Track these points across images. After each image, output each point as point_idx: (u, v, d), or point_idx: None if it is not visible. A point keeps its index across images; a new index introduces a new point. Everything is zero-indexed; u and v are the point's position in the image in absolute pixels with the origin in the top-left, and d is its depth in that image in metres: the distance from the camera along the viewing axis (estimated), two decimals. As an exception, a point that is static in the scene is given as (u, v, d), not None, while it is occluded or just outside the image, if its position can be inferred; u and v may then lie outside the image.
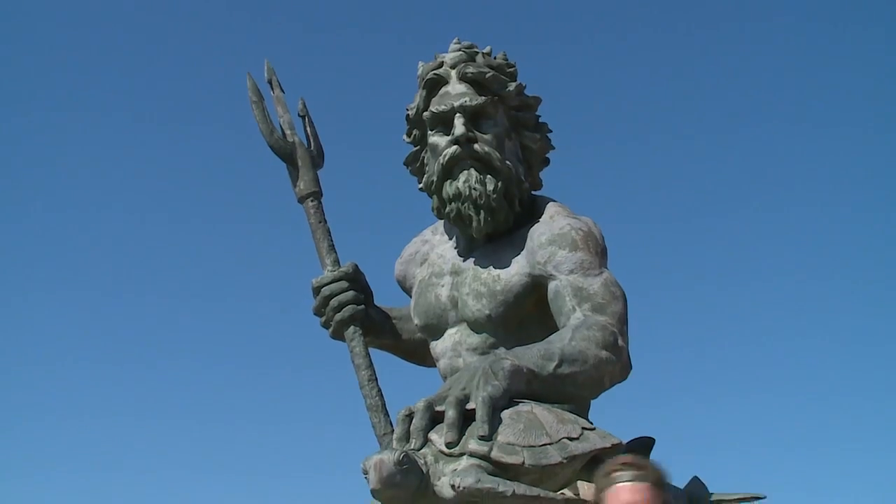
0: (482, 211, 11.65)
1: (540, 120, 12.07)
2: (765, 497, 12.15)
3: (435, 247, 12.78)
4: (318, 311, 12.26)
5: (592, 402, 11.27)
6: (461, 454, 10.42)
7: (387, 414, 11.58)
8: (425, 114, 12.03)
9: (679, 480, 11.37)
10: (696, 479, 11.73)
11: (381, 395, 11.59)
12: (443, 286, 12.10)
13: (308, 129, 11.98)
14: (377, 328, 12.45)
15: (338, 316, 11.93)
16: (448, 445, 10.51)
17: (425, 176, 12.27)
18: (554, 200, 12.35)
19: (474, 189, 11.74)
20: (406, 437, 10.59)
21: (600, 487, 1.85)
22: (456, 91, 11.78)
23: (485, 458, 10.36)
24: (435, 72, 11.68)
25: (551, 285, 11.35)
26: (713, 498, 11.44)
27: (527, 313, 11.58)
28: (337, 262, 12.15)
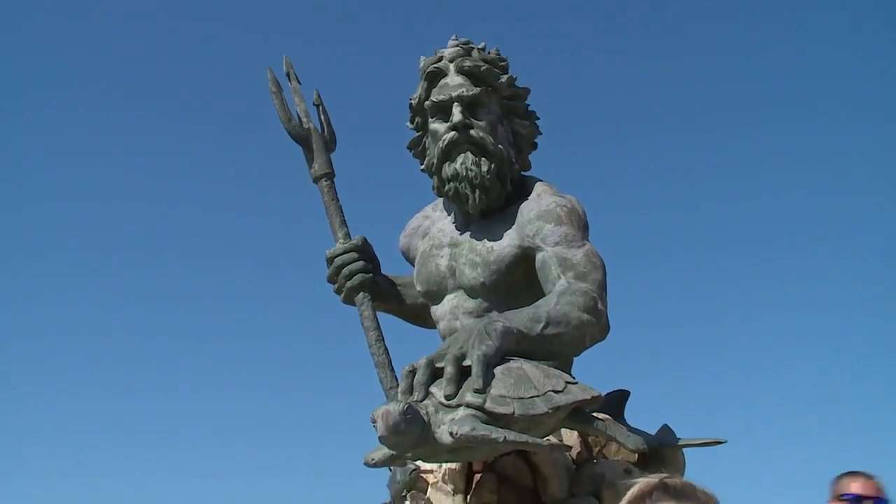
0: (477, 190, 12.20)
1: (529, 108, 12.40)
2: (725, 441, 12.53)
3: (435, 222, 13.27)
4: (331, 279, 12.68)
5: (575, 359, 11.64)
6: (458, 405, 10.72)
7: (392, 370, 11.91)
8: (426, 103, 12.62)
9: (651, 428, 11.69)
10: (665, 427, 12.01)
11: (388, 353, 11.91)
12: (442, 257, 12.35)
13: (322, 116, 12.28)
14: (384, 294, 13.10)
15: (348, 283, 12.67)
16: (447, 397, 10.80)
17: (426, 158, 12.87)
18: (541, 180, 12.70)
19: (470, 170, 12.36)
20: (409, 390, 10.88)
21: None
22: (454, 83, 12.10)
23: (479, 408, 10.65)
24: (435, 65, 11.98)
25: (539, 256, 11.74)
26: (680, 443, 11.77)
27: (517, 281, 11.86)
28: (348, 236, 12.72)
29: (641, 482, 1.82)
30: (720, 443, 11.49)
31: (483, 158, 11.49)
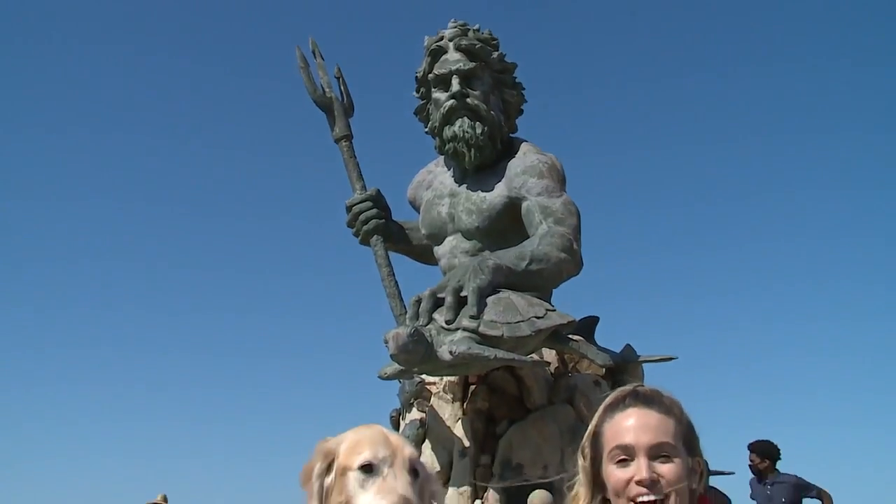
0: (472, 149, 12.05)
1: (516, 80, 12.56)
2: (676, 357, 12.81)
3: (437, 176, 13.03)
4: (350, 224, 12.70)
5: (553, 290, 11.90)
6: (457, 329, 10.95)
7: (401, 300, 11.95)
8: (429, 76, 12.39)
9: (616, 347, 11.96)
10: (628, 346, 12.25)
11: (398, 286, 12.11)
12: (443, 205, 12.44)
13: (342, 87, 12.41)
14: (394, 237, 12.79)
15: (364, 227, 12.33)
16: (447, 322, 11.05)
17: (430, 122, 12.56)
18: (526, 141, 12.87)
19: (466, 132, 12.07)
20: (416, 316, 11.15)
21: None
22: (453, 58, 12.22)
23: (474, 331, 10.88)
24: (436, 44, 12.14)
25: (524, 205, 11.79)
26: (640, 359, 12.04)
27: (506, 225, 11.87)
28: (364, 188, 12.47)
29: (617, 390, 1.98)
30: (672, 359, 11.79)
31: (477, 122, 11.71)
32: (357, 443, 1.80)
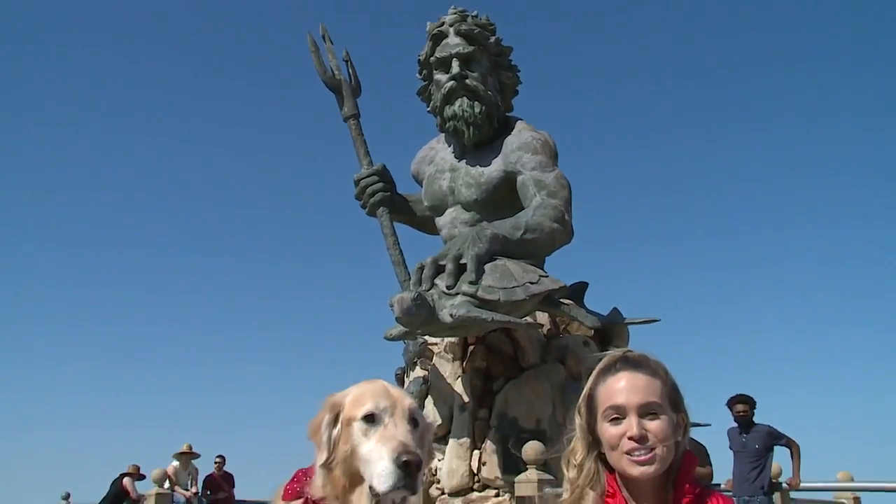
0: (471, 127, 12.09)
1: (512, 63, 12.57)
2: (659, 320, 12.92)
3: (438, 152, 13.09)
4: (358, 197, 12.81)
5: (546, 257, 11.96)
6: (457, 293, 11.01)
7: (406, 267, 12.04)
8: (431, 59, 12.42)
9: (603, 310, 12.01)
10: (615, 309, 12.29)
11: (402, 254, 12.16)
12: (444, 179, 12.52)
13: (350, 70, 12.40)
14: (399, 208, 12.91)
15: (371, 200, 12.38)
16: (448, 287, 11.11)
17: (431, 102, 12.65)
18: (521, 119, 12.88)
19: (466, 111, 12.12)
20: (419, 282, 11.20)
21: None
22: (453, 42, 12.22)
23: (473, 296, 10.95)
24: (438, 29, 12.12)
25: (519, 178, 11.87)
26: (626, 321, 12.11)
27: (502, 198, 11.94)
28: (371, 163, 12.47)
29: (609, 355, 2.02)
30: (655, 321, 11.85)
31: (476, 102, 11.71)
32: (360, 395, 1.83)
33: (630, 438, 1.81)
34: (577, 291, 11.87)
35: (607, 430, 1.86)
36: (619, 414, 1.84)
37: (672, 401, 1.87)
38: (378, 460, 1.71)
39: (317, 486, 1.79)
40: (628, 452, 1.82)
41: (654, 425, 1.81)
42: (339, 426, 1.81)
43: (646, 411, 1.82)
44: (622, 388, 1.86)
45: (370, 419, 1.77)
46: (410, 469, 1.70)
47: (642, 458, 1.79)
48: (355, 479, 1.76)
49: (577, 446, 1.95)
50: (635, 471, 1.80)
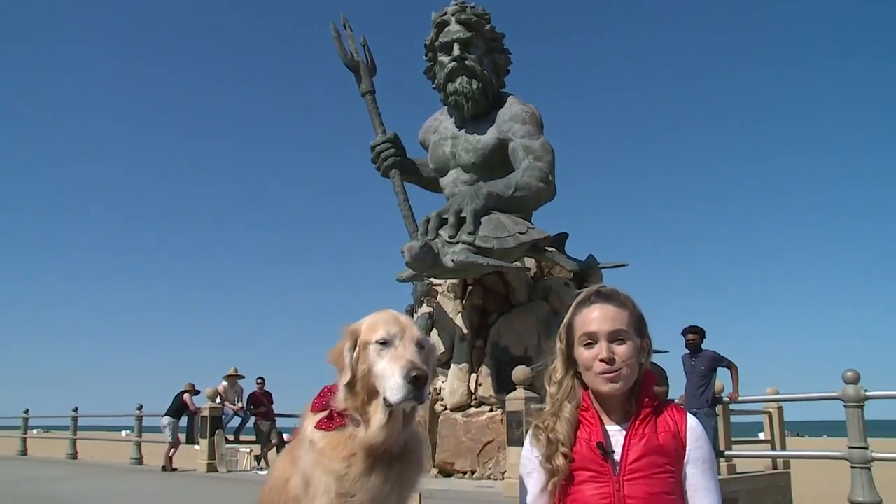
0: (470, 101, 12.17)
1: (504, 46, 12.53)
2: (628, 264, 12.99)
3: (442, 122, 13.16)
4: (373, 160, 12.80)
5: (533, 211, 11.99)
6: (457, 242, 11.08)
7: (414, 220, 12.06)
8: (435, 43, 12.57)
9: (581, 256, 12.06)
10: (591, 256, 12.35)
11: (411, 209, 12.20)
12: (446, 146, 12.53)
13: (367, 53, 12.33)
14: (409, 170, 12.96)
15: (385, 163, 12.48)
16: (450, 237, 11.19)
17: (436, 80, 12.71)
18: (512, 94, 12.86)
19: (465, 88, 12.27)
20: (425, 233, 11.28)
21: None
22: (454, 29, 12.17)
23: (471, 244, 11.01)
24: (441, 17, 12.09)
25: (511, 145, 11.94)
26: (600, 265, 12.17)
27: (496, 161, 11.97)
28: (384, 132, 12.53)
29: (585, 290, 2.04)
30: (624, 265, 11.88)
31: (474, 80, 11.74)
32: (374, 323, 1.85)
33: (601, 360, 1.83)
34: (559, 240, 11.92)
35: (582, 354, 1.87)
36: (591, 339, 1.85)
37: (637, 328, 1.88)
38: (390, 376, 1.73)
39: (339, 400, 1.81)
40: (599, 372, 1.83)
41: (620, 349, 1.82)
42: (357, 350, 1.83)
43: (614, 337, 1.83)
44: (595, 317, 1.87)
45: (383, 343, 1.79)
46: (419, 383, 1.73)
47: (610, 376, 1.81)
48: (372, 393, 1.79)
49: (557, 366, 1.96)
50: (605, 387, 1.82)
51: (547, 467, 1.82)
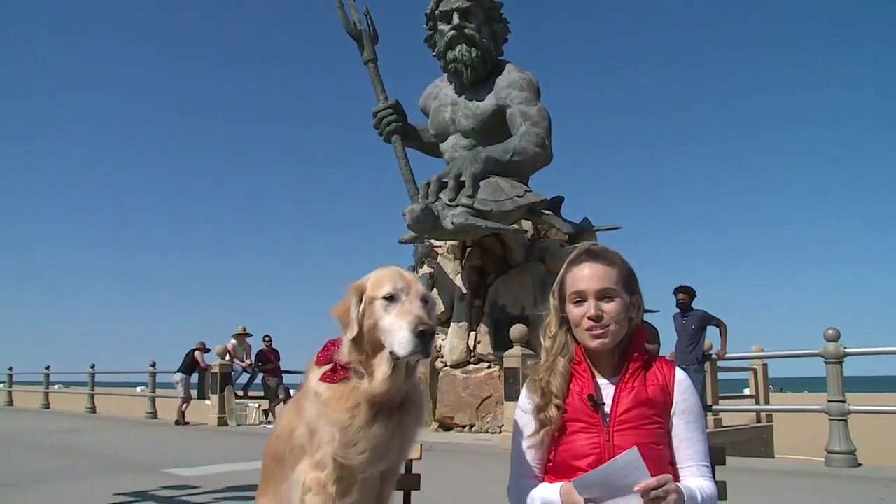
0: (469, 69, 12.17)
1: (503, 15, 12.39)
2: (621, 227, 12.98)
3: (442, 89, 13.10)
4: (376, 126, 12.78)
5: (530, 176, 11.96)
6: (457, 205, 11.08)
7: (415, 184, 12.07)
8: (436, 12, 12.41)
9: (576, 219, 12.04)
10: (585, 219, 12.32)
11: (412, 173, 12.19)
12: (446, 112, 12.53)
13: (369, 22, 12.18)
14: (410, 135, 12.94)
15: (386, 129, 12.52)
16: (450, 200, 11.18)
17: (436, 48, 12.68)
18: (510, 62, 12.77)
19: (464, 55, 12.20)
20: (426, 196, 11.28)
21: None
22: (453, -2, 12.10)
23: (470, 207, 11.01)
24: (442, -12, 12.04)
25: (508, 111, 11.96)
26: (594, 228, 12.15)
27: (494, 127, 11.98)
28: (386, 99, 12.53)
29: (576, 248, 2.02)
30: (618, 228, 11.87)
31: (473, 48, 11.63)
32: (380, 279, 1.84)
33: (589, 318, 1.84)
34: (556, 203, 11.92)
35: (572, 311, 1.87)
36: (581, 297, 1.85)
37: (626, 285, 1.88)
38: (398, 331, 1.72)
39: (343, 354, 1.81)
40: (587, 329, 1.84)
41: (608, 307, 1.82)
42: (362, 305, 1.83)
43: (602, 295, 1.83)
44: (584, 276, 1.87)
45: (390, 298, 1.78)
46: (426, 337, 1.73)
47: (598, 332, 1.81)
48: (376, 347, 1.78)
49: (551, 321, 1.97)
50: (593, 343, 1.83)
51: (540, 418, 1.84)
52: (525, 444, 1.87)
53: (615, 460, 1.64)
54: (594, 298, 1.83)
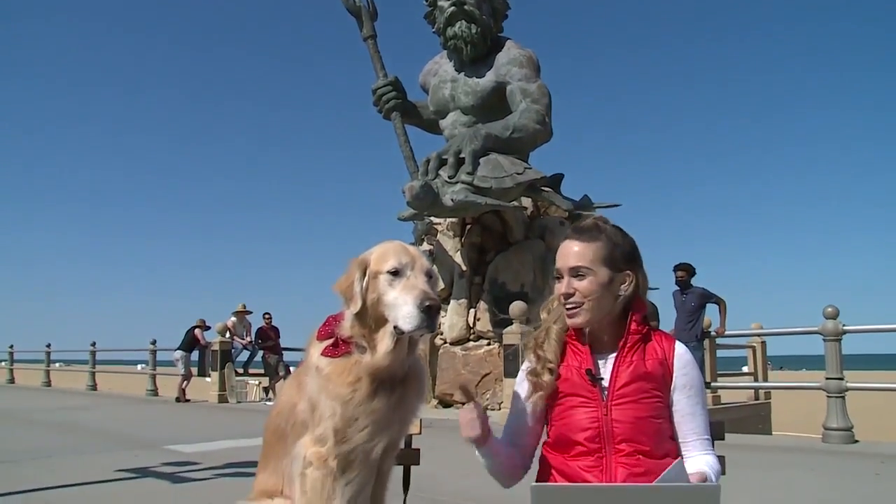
0: (469, 45, 12.06)
1: (502, -9, 12.32)
2: (620, 205, 12.93)
3: (442, 65, 13.02)
4: (375, 103, 12.70)
5: (530, 152, 11.89)
6: (456, 182, 11.04)
7: (415, 161, 12.03)
8: None
9: (576, 196, 12.00)
10: (585, 196, 12.26)
11: (412, 150, 12.13)
12: (446, 88, 12.44)
13: (369, -3, 12.18)
14: (409, 112, 12.85)
15: (386, 106, 12.44)
16: (449, 177, 11.15)
17: (436, 25, 12.52)
18: (510, 38, 12.66)
19: (464, 32, 12.10)
20: (426, 173, 11.24)
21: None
22: (453, -26, 11.97)
23: (469, 184, 10.97)
24: (439, -34, 11.91)
25: (508, 88, 11.89)
26: (594, 205, 12.08)
27: (494, 104, 11.85)
28: (386, 76, 12.45)
29: (579, 221, 2.04)
30: (617, 205, 11.85)
31: (472, 24, 11.51)
32: (384, 253, 1.83)
33: (562, 295, 1.85)
34: (555, 181, 11.86)
35: (555, 287, 1.89)
36: (558, 274, 1.87)
37: (611, 261, 1.87)
38: (403, 305, 1.72)
39: (345, 328, 1.81)
40: (563, 305, 1.86)
41: (580, 284, 1.82)
42: (366, 280, 1.83)
43: (574, 273, 1.83)
44: (561, 253, 1.88)
45: (395, 273, 1.78)
46: (432, 312, 1.73)
47: (571, 311, 1.82)
48: (379, 321, 1.78)
49: (553, 297, 1.99)
50: (567, 321, 1.84)
51: (534, 381, 1.86)
52: (524, 411, 1.90)
53: (663, 475, 1.53)
54: (568, 276, 1.84)
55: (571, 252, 1.85)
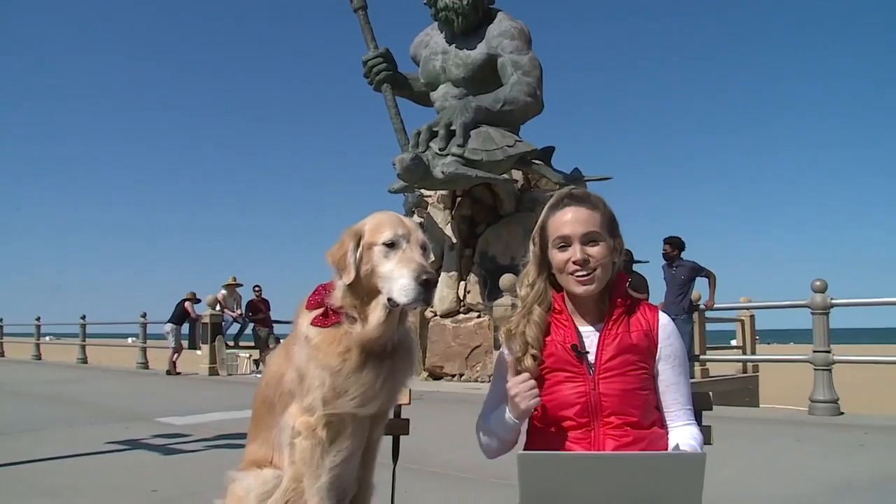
0: (460, 17, 12.03)
1: (493, -35, 12.20)
2: (611, 177, 12.97)
3: (433, 37, 12.97)
4: (366, 75, 12.66)
5: (521, 125, 11.85)
6: (447, 154, 11.03)
7: (405, 133, 12.03)
8: None
9: (567, 169, 12.00)
10: (576, 169, 12.31)
11: (403, 122, 12.09)
12: (437, 60, 12.42)
13: (359, -32, 12.01)
14: (400, 84, 12.84)
15: (377, 78, 12.44)
16: (440, 150, 11.14)
17: None
18: (501, 10, 12.56)
19: (455, 3, 11.96)
20: (416, 145, 11.22)
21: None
22: (444, -55, 11.83)
23: (460, 157, 10.96)
24: (428, -58, 11.76)
25: (500, 60, 11.92)
26: (585, 178, 12.12)
27: (485, 76, 11.88)
28: (377, 47, 12.39)
29: (557, 193, 1.99)
30: (608, 178, 11.86)
31: (464, -5, 11.45)
32: (379, 224, 1.81)
33: (574, 262, 1.82)
34: (546, 153, 11.85)
35: (556, 256, 1.86)
36: (565, 242, 1.84)
37: (609, 228, 1.87)
38: (399, 278, 1.70)
39: (336, 298, 1.79)
40: (573, 273, 1.83)
41: (594, 250, 1.81)
42: (359, 251, 1.82)
43: (587, 239, 1.82)
44: (568, 220, 1.85)
45: (390, 245, 1.77)
46: (429, 286, 1.72)
47: (584, 278, 1.81)
48: (372, 292, 1.77)
49: (530, 269, 1.95)
50: (579, 289, 1.82)
51: (517, 368, 1.83)
52: (503, 395, 1.87)
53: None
54: (579, 243, 1.82)
55: (581, 218, 1.83)
